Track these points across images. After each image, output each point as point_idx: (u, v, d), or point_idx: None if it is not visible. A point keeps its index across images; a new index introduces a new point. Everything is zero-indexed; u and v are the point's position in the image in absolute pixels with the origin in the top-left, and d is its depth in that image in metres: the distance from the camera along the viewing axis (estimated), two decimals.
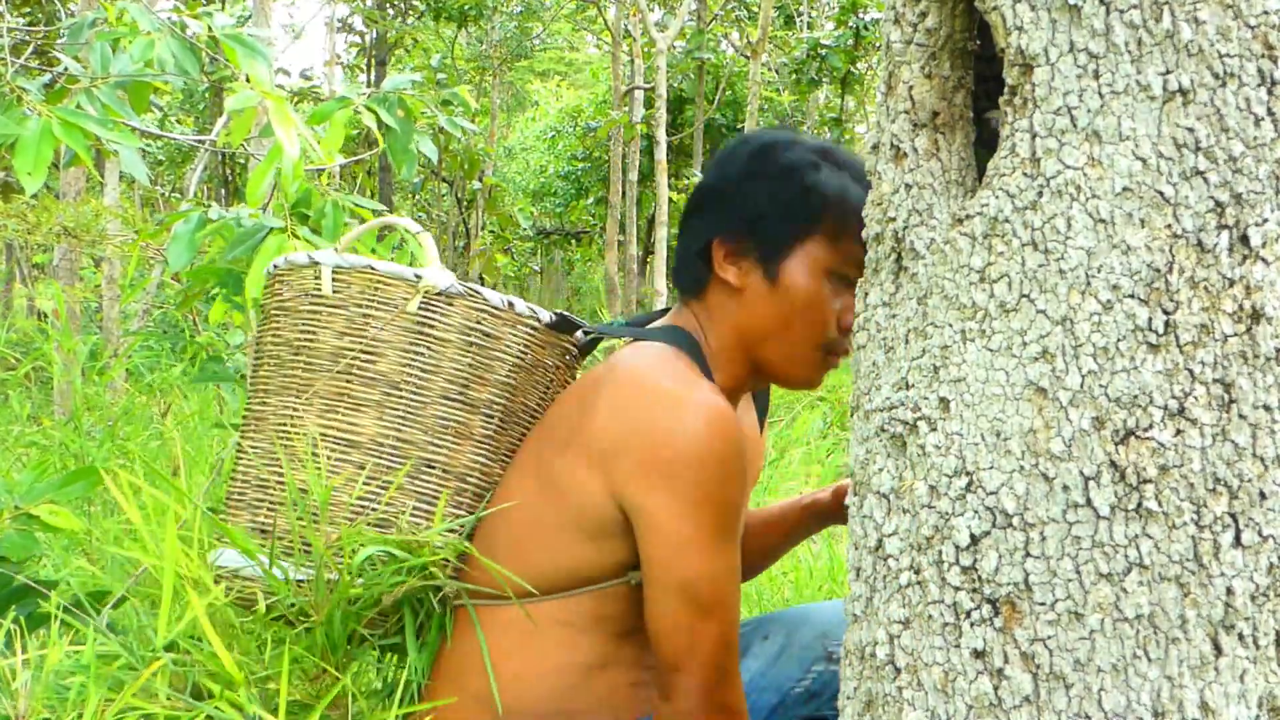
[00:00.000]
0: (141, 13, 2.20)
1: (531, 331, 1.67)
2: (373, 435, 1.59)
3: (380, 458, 1.58)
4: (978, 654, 1.10)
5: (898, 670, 1.16)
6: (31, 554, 1.93)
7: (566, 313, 1.72)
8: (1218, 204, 1.05)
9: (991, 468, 1.10)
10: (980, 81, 1.24)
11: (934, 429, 1.14)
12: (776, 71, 13.91)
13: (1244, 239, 1.05)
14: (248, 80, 2.19)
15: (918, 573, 1.14)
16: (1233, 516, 1.05)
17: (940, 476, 1.13)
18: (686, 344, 1.62)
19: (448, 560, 1.60)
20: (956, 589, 1.11)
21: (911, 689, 1.14)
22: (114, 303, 6.52)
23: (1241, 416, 1.05)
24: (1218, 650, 1.05)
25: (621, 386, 1.54)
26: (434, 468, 1.60)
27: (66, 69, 2.26)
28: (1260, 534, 1.05)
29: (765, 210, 1.60)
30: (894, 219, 1.21)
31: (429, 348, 1.60)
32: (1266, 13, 1.05)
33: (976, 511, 1.10)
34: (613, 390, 1.54)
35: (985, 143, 1.23)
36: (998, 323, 1.11)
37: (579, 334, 1.75)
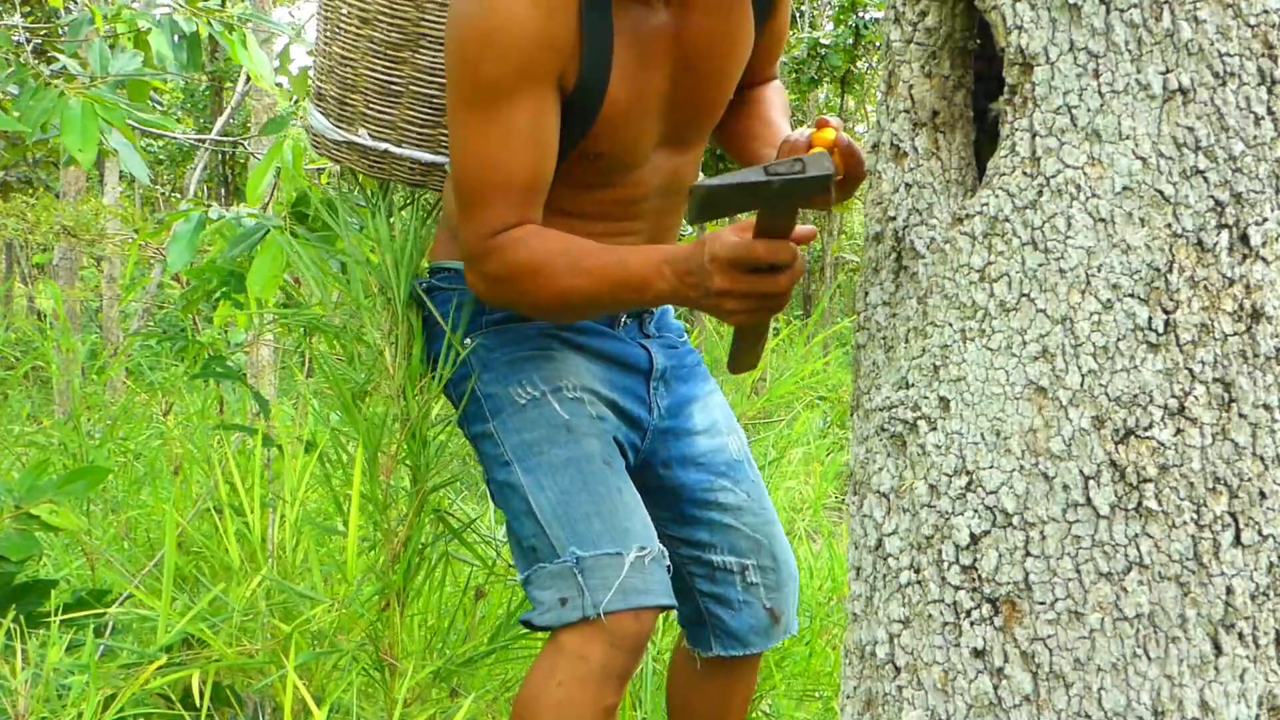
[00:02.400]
0: (145, 15, 2.21)
1: None
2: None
3: (379, 31, 1.73)
4: (977, 653, 1.10)
5: (898, 669, 1.16)
6: (31, 553, 1.93)
7: None
8: (1218, 203, 1.05)
9: (991, 467, 1.10)
10: (980, 81, 1.24)
11: (934, 428, 1.14)
12: None
13: (1244, 238, 1.05)
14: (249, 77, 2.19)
15: (918, 572, 1.14)
16: (1233, 516, 1.05)
17: (940, 476, 1.13)
18: None
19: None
20: (956, 588, 1.11)
21: (911, 688, 1.14)
22: (114, 302, 6.52)
23: (1241, 416, 1.05)
24: (1218, 649, 1.05)
25: None
26: (430, 43, 1.74)
27: (65, 67, 2.26)
28: (1260, 533, 1.05)
29: None
30: (894, 218, 1.21)
31: None
32: (1266, 11, 1.05)
33: (976, 511, 1.10)
34: None
35: (986, 132, 1.23)
36: (998, 322, 1.11)
37: None
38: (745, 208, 1.42)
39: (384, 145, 1.75)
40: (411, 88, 1.75)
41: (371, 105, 1.76)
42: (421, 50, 1.73)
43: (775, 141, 1.87)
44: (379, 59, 1.74)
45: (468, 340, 1.69)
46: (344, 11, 1.75)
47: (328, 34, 1.79)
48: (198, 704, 1.71)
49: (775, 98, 1.90)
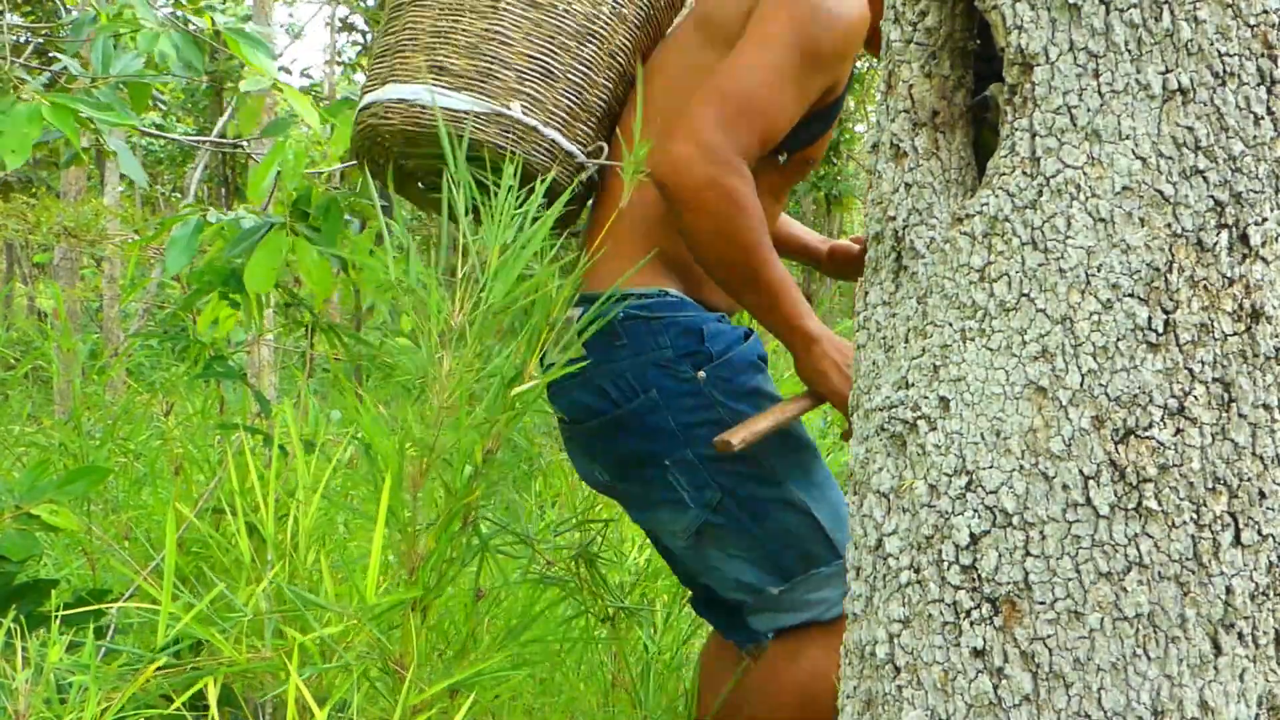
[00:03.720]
0: (144, 4, 2.20)
1: None
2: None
3: (549, 17, 1.79)
4: (977, 653, 1.10)
5: (897, 669, 1.16)
6: (31, 554, 1.93)
7: None
8: (1217, 203, 1.05)
9: (991, 467, 1.10)
10: (980, 81, 1.24)
11: (934, 428, 1.14)
12: None
13: (1244, 238, 1.05)
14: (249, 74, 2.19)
15: (917, 572, 1.15)
16: (1232, 515, 1.05)
17: (940, 476, 1.13)
18: None
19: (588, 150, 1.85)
20: (956, 588, 1.11)
21: (911, 688, 1.14)
22: (114, 302, 6.53)
23: (1241, 416, 1.05)
24: (1217, 649, 1.05)
25: None
26: (593, 39, 1.81)
27: (66, 68, 2.27)
28: (1260, 533, 1.05)
29: None
30: (894, 218, 1.21)
31: None
32: (1266, 11, 1.05)
33: (976, 511, 1.10)
34: None
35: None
36: (997, 322, 1.11)
37: None
38: None
39: (533, 122, 1.78)
40: (569, 76, 1.80)
41: (525, 82, 1.79)
42: (586, 44, 1.80)
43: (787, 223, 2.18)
44: (539, 41, 1.79)
45: (702, 374, 1.78)
46: None
47: (468, 15, 1.81)
48: (205, 706, 1.71)
49: None
